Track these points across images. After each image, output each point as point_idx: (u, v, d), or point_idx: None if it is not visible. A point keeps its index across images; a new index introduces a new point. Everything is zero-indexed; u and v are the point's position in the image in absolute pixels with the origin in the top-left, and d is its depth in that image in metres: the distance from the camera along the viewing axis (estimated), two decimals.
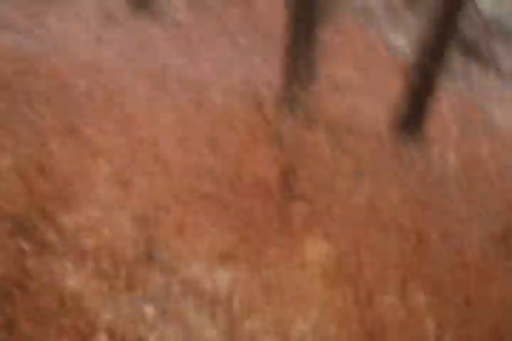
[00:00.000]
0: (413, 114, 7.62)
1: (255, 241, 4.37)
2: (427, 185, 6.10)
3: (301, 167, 5.44)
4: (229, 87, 7.54)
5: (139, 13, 10.19)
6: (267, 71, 7.38)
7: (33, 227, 4.31)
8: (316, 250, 4.31)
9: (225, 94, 7.26)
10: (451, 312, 3.79)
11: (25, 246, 4.08)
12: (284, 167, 5.31)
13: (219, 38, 9.60)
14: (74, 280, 3.82)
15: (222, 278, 3.94)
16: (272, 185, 5.13)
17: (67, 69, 7.82)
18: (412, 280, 4.12)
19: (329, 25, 7.50)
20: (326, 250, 4.34)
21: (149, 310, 3.59)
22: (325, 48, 7.40)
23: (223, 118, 6.53)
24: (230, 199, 4.94)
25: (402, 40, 10.74)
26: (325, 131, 6.85)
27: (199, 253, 4.16)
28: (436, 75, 7.57)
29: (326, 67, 7.64)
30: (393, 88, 7.91)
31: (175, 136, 6.11)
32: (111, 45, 9.12)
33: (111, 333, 3.42)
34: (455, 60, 9.09)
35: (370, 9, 11.75)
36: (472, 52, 11.18)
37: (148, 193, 4.97)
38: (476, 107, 9.86)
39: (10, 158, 5.16)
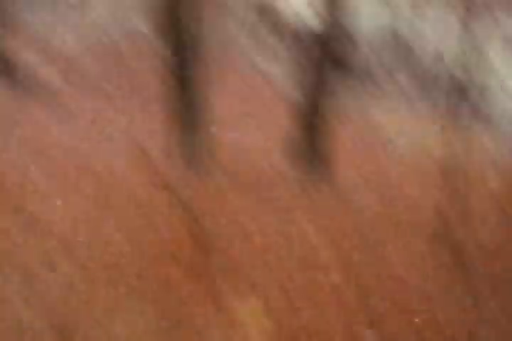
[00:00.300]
0: (310, 145, 7.45)
1: (180, 313, 3.92)
2: (344, 221, 5.86)
3: (208, 221, 5.07)
4: (114, 150, 7.12)
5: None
6: (151, 128, 7.05)
7: None
8: (247, 310, 3.90)
9: (111, 158, 6.82)
10: None
11: None
12: (190, 225, 4.91)
13: (96, 101, 9.19)
14: None
15: None
16: (183, 247, 4.71)
17: None
18: (359, 323, 3.79)
19: (205, 66, 7.24)
20: (258, 307, 3.95)
21: None
22: (206, 91, 7.14)
23: (113, 185, 6.08)
24: (142, 271, 4.49)
25: (280, 70, 10.69)
26: (225, 176, 6.54)
27: None
28: (323, 102, 7.48)
29: (213, 109, 7.36)
30: (285, 121, 7.75)
31: (65, 214, 5.59)
32: None
33: None
34: (341, 83, 9.06)
35: (243, 45, 11.69)
36: (355, 74, 11.28)
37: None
38: (372, 129, 9.86)
39: None
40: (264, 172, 7.07)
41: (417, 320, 3.96)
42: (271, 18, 12.57)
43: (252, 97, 9.79)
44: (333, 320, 3.86)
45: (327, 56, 7.33)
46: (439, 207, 6.40)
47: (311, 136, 7.49)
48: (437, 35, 10.25)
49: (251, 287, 4.18)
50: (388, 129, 9.88)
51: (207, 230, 4.87)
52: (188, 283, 4.23)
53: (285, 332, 3.69)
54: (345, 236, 5.51)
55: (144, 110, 6.53)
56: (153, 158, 6.30)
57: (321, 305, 3.96)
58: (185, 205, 5.12)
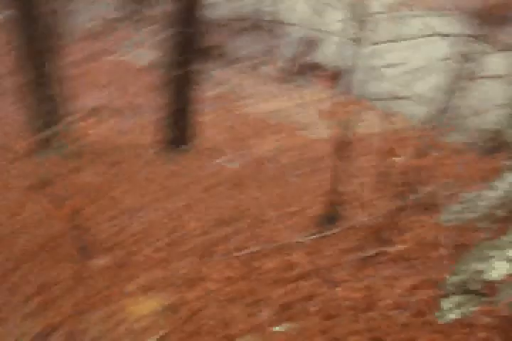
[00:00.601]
0: (179, 126, 7.29)
1: (69, 320, 3.59)
2: (220, 198, 5.75)
3: (86, 213, 4.74)
4: None
5: None
6: (10, 120, 6.52)
7: None
8: (141, 309, 3.64)
9: None
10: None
11: None
12: (68, 219, 4.52)
13: None
14: None
15: None
16: (63, 245, 4.36)
17: None
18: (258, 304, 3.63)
19: (64, 54, 6.78)
20: (152, 304, 3.69)
21: None
22: (68, 80, 6.71)
23: None
24: (20, 272, 4.10)
25: (147, 55, 10.32)
26: (97, 165, 6.21)
27: None
28: (189, 84, 7.29)
29: (78, 98, 6.94)
30: (152, 105, 7.48)
31: None
32: None
33: None
34: (207, 66, 8.89)
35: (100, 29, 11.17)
36: (218, 54, 11.12)
37: None
38: (237, 106, 9.77)
39: None
40: (135, 156, 6.83)
41: None
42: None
43: (120, 85, 9.39)
44: None
45: (191, 42, 7.15)
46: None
47: (179, 117, 7.35)
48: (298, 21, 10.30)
49: (141, 285, 3.92)
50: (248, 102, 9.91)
51: (87, 226, 4.53)
52: (75, 287, 3.89)
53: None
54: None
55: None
56: (18, 152, 5.86)
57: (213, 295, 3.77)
58: (60, 200, 4.74)
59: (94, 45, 10.80)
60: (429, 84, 6.09)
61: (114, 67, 10.36)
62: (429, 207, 5.52)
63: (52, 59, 6.50)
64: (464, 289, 3.34)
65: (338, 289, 3.81)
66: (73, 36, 10.04)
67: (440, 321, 3.15)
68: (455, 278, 3.50)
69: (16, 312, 3.73)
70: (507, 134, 7.33)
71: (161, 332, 3.41)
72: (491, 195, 4.94)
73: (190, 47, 7.15)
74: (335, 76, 5.34)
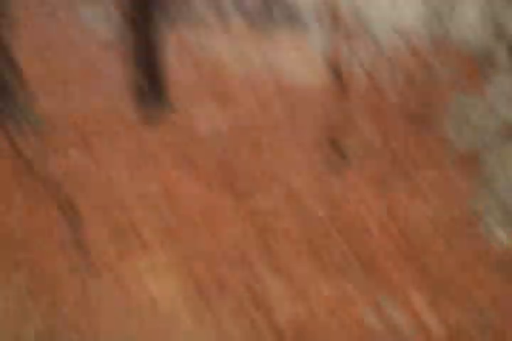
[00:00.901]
0: (150, 85, 6.89)
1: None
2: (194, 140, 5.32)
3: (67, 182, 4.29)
4: None
5: None
6: None
7: None
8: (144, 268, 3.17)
9: None
10: None
11: None
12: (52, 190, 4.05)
13: None
14: None
15: None
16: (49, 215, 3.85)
17: None
18: None
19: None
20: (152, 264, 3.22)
21: None
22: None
23: None
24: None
25: (99, 17, 9.80)
26: (80, 141, 5.78)
27: None
28: (152, 43, 6.88)
29: (33, 68, 6.44)
30: (116, 68, 7.01)
31: None
32: None
33: None
34: (170, 24, 8.43)
35: None
36: (181, 9, 10.65)
37: None
38: (209, 63, 9.34)
39: None
40: (109, 128, 6.37)
41: None
42: None
43: (76, 49, 8.88)
44: None
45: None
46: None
47: (149, 75, 6.91)
48: None
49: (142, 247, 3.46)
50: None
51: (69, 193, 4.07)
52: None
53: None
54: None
55: None
56: None
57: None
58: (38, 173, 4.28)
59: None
60: None
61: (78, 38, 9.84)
62: None
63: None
64: None
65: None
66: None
67: None
68: None
69: None
70: None
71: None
72: None
73: (150, 5, 6.69)
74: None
